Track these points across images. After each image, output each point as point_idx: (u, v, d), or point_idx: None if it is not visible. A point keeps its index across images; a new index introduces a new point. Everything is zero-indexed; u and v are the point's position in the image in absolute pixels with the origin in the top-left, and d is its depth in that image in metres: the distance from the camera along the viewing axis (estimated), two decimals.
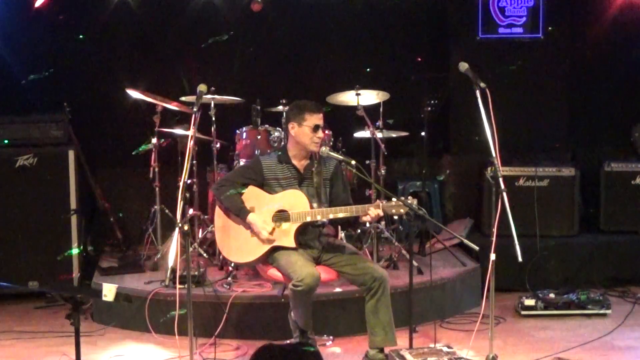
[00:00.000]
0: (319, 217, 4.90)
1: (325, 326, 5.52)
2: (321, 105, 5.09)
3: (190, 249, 5.39)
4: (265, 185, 5.05)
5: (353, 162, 4.96)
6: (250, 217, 4.95)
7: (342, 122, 6.81)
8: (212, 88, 6.06)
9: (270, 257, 4.98)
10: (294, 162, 5.06)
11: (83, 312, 5.73)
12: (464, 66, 4.78)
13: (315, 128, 4.96)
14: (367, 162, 6.28)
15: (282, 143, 6.04)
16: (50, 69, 7.13)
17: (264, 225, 4.93)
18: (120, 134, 7.29)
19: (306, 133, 4.97)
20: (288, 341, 5.13)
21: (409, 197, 4.78)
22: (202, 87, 5.00)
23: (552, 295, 6.06)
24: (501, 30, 7.28)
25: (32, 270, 6.33)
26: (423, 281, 5.88)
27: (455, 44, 7.37)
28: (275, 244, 4.94)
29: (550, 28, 7.24)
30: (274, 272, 5.01)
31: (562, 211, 6.83)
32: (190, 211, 6.32)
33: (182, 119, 6.48)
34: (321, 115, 5.00)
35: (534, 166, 6.80)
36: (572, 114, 7.48)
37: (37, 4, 6.93)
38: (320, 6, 7.40)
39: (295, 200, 4.95)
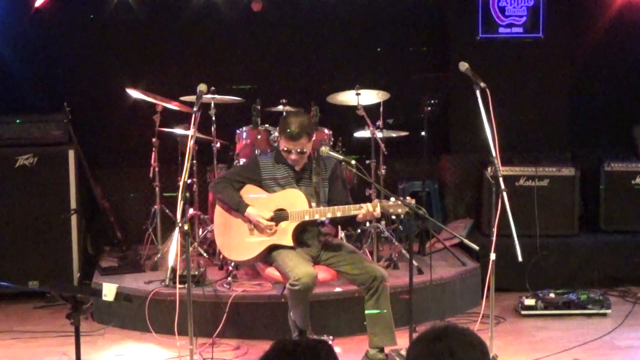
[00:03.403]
0: (317, 217, 4.90)
1: (325, 326, 5.51)
2: (303, 131, 4.89)
3: (190, 249, 5.39)
4: (262, 184, 5.06)
5: (353, 162, 4.96)
6: (249, 210, 4.96)
7: (342, 122, 6.82)
8: (212, 88, 6.06)
9: (268, 256, 4.99)
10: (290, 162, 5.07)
11: (83, 312, 5.73)
12: (464, 66, 4.78)
13: (287, 151, 4.96)
14: (367, 162, 6.28)
15: None
16: (52, 68, 7.15)
17: (262, 214, 4.93)
18: (120, 134, 7.29)
19: (282, 149, 4.99)
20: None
21: (407, 197, 4.78)
22: (202, 87, 5.00)
23: (552, 295, 6.06)
24: (501, 30, 7.28)
25: (32, 270, 6.32)
26: (423, 281, 5.88)
27: (455, 44, 7.36)
28: (274, 242, 4.95)
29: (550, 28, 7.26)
30: (272, 272, 5.01)
31: (562, 211, 6.82)
32: (190, 211, 6.32)
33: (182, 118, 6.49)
34: (297, 142, 4.90)
35: (534, 166, 6.80)
36: (572, 113, 7.48)
37: (37, 4, 6.93)
38: (320, 6, 7.39)
39: (294, 200, 4.96)
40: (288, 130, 4.90)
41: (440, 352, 2.25)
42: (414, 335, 4.95)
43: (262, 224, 4.94)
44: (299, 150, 4.93)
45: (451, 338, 2.29)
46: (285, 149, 4.95)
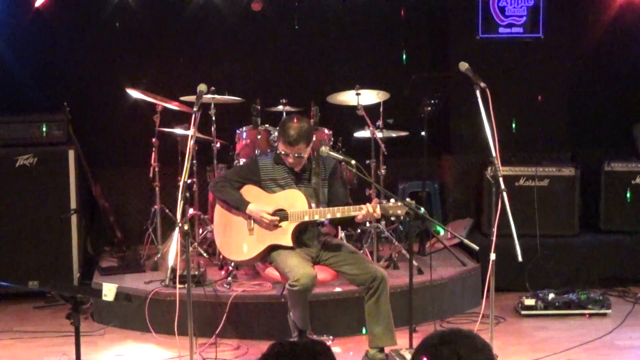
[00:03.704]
0: (316, 217, 4.90)
1: (325, 326, 5.52)
2: (302, 137, 4.91)
3: (190, 249, 5.38)
4: (262, 185, 5.06)
5: (353, 162, 4.96)
6: (250, 207, 4.96)
7: (342, 122, 6.81)
8: (212, 88, 6.06)
9: (268, 256, 4.99)
10: None
11: (83, 312, 5.73)
12: (464, 66, 4.78)
13: (284, 154, 4.96)
14: (367, 162, 6.27)
15: None
16: (52, 68, 7.15)
17: (264, 209, 4.93)
18: (120, 134, 7.29)
19: (280, 152, 4.99)
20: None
21: (407, 198, 4.78)
22: (202, 87, 5.00)
23: (552, 295, 6.06)
24: (501, 30, 7.28)
25: (32, 270, 6.32)
26: (423, 281, 5.88)
27: (455, 44, 7.36)
28: (273, 242, 4.94)
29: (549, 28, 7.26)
30: (271, 272, 5.02)
31: (562, 211, 6.82)
32: (190, 211, 6.32)
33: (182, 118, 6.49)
34: (295, 147, 4.90)
35: (534, 166, 6.80)
36: (572, 113, 7.47)
37: (37, 4, 6.93)
38: (320, 6, 7.40)
39: (294, 200, 4.96)
40: (287, 136, 4.90)
41: (447, 357, 2.25)
42: (414, 336, 4.97)
43: (266, 219, 4.94)
44: (296, 155, 4.93)
45: (457, 342, 2.28)
46: (283, 152, 4.96)
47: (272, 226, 4.96)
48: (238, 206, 5.01)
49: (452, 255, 6.51)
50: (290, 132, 4.90)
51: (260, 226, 5.00)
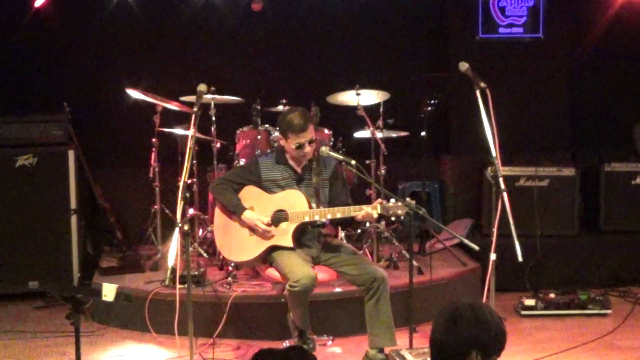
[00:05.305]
0: (317, 217, 4.90)
1: (325, 326, 5.52)
2: (307, 120, 4.91)
3: (190, 249, 5.38)
4: (262, 185, 5.06)
5: (353, 162, 4.95)
6: (246, 214, 4.95)
7: (342, 122, 6.81)
8: (212, 88, 6.06)
9: (268, 256, 4.98)
10: (291, 162, 5.06)
11: (83, 312, 5.72)
12: (464, 66, 4.78)
13: (299, 146, 4.94)
14: (367, 162, 6.27)
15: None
16: (52, 68, 7.15)
17: (260, 218, 4.93)
18: (120, 134, 7.29)
19: (291, 149, 4.97)
20: (286, 342, 5.16)
21: (407, 198, 4.78)
22: (202, 87, 5.00)
23: (552, 295, 6.06)
24: (501, 30, 7.28)
25: (32, 270, 6.32)
26: (423, 281, 5.88)
27: (455, 44, 7.37)
28: (274, 243, 4.94)
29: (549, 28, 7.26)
30: (272, 272, 5.01)
31: (562, 211, 6.83)
32: (191, 211, 6.32)
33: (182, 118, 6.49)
34: (306, 132, 4.89)
35: (534, 166, 6.80)
36: (572, 114, 7.48)
37: (37, 4, 6.93)
38: (320, 6, 7.40)
39: (294, 200, 4.95)
40: (294, 126, 4.90)
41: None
42: (414, 336, 4.96)
43: (260, 228, 4.93)
44: (309, 140, 4.93)
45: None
46: (297, 144, 4.91)
47: (268, 235, 4.95)
48: (235, 211, 5.00)
49: (452, 255, 6.51)
50: (295, 121, 4.90)
51: (256, 234, 4.99)
